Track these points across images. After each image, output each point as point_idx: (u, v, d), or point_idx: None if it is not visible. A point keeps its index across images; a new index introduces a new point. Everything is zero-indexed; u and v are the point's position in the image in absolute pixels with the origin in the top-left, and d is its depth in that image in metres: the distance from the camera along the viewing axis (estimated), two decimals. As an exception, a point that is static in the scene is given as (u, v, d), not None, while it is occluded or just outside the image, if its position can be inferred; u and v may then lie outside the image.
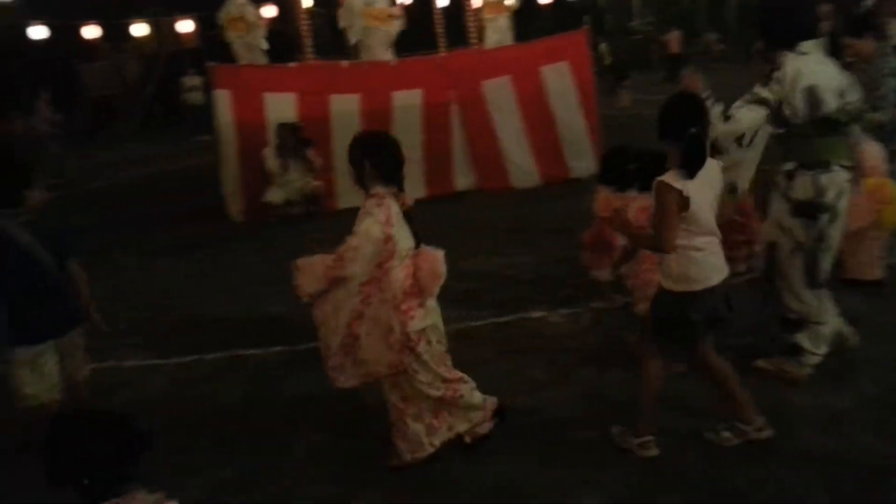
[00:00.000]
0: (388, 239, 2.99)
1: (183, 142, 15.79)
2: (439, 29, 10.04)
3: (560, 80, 8.74)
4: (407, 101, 8.63)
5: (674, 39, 19.09)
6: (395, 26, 9.66)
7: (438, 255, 3.18)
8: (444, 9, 10.53)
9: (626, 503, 2.94)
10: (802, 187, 3.54)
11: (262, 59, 9.91)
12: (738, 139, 3.75)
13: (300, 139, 8.21)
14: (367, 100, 8.53)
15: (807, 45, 3.55)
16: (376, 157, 3.10)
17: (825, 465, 3.01)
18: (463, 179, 8.91)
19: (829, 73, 3.54)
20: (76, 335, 3.45)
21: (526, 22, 10.26)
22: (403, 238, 3.08)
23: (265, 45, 9.49)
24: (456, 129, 8.83)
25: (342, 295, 3.04)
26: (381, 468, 3.28)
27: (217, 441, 3.69)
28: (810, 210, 3.53)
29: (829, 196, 3.50)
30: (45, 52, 20.04)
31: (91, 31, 19.48)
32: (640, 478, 3.06)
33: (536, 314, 4.89)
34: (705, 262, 2.98)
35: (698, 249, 2.95)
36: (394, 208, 3.06)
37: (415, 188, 8.58)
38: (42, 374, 3.28)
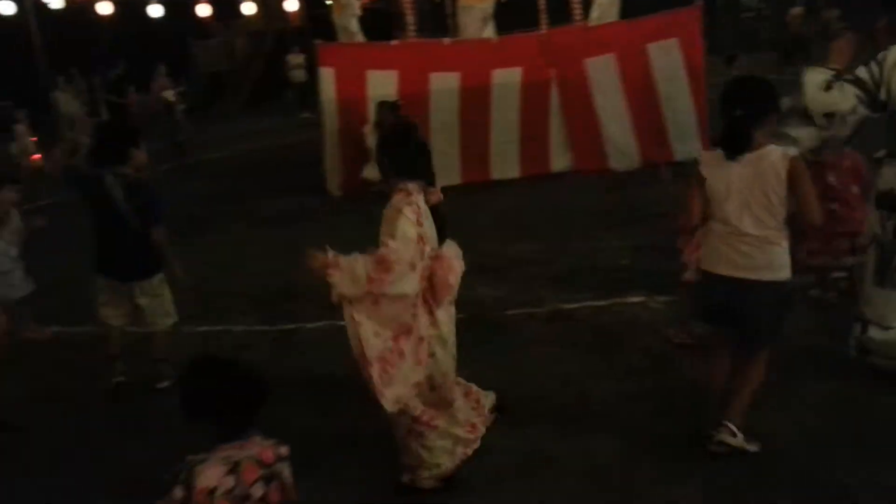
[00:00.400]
0: (421, 238, 2.78)
1: (287, 118, 16.31)
2: (542, 5, 9.87)
3: (668, 59, 8.44)
4: (506, 79, 8.58)
5: (797, 17, 17.82)
6: (490, 3, 9.56)
7: (455, 261, 2.93)
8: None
9: (722, 498, 2.86)
10: (886, 177, 3.36)
11: (357, 39, 10.05)
12: (828, 116, 3.43)
13: (399, 117, 8.32)
14: (466, 78, 8.53)
15: None
16: (394, 151, 2.98)
17: None
18: (559, 160, 8.80)
19: None
20: (146, 287, 4.01)
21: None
22: (430, 237, 2.87)
23: (355, 27, 9.59)
24: (555, 108, 8.70)
25: (387, 305, 2.77)
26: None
27: (314, 405, 3.84)
28: (891, 202, 3.34)
29: None
30: (162, 29, 21.14)
31: (204, 10, 20.35)
32: (743, 471, 2.97)
33: (634, 300, 4.80)
34: (712, 246, 2.97)
35: (713, 232, 2.95)
36: (421, 204, 2.87)
37: (510, 168, 8.71)
38: (108, 303, 4.06)
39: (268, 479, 1.82)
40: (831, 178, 4.23)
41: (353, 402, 3.81)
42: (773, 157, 2.81)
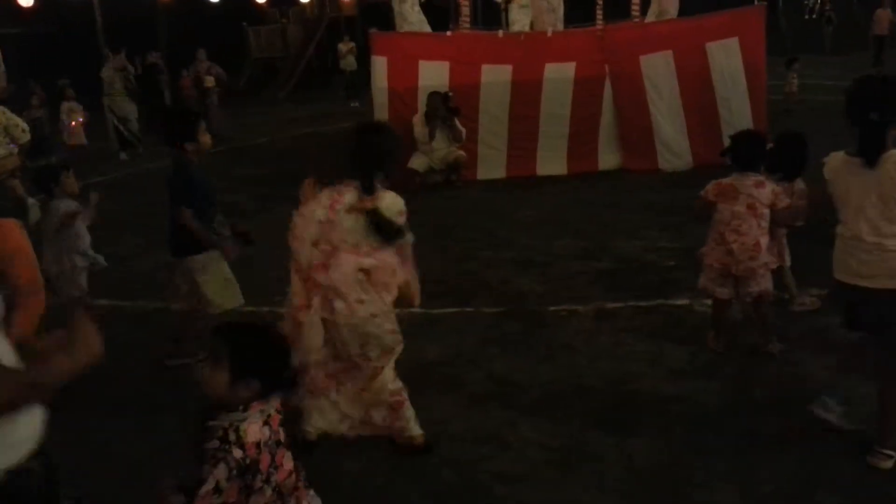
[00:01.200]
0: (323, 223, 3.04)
1: (335, 106, 16.45)
2: (599, 1, 9.75)
3: (728, 59, 8.24)
4: (559, 73, 8.49)
5: (883, 18, 17.10)
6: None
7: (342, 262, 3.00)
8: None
9: (768, 498, 2.81)
10: None
11: (415, 29, 10.07)
12: None
13: (449, 108, 8.31)
14: (518, 70, 8.47)
15: None
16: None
17: None
18: (608, 158, 8.68)
19: None
20: (184, 266, 4.05)
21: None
22: (339, 232, 3.01)
23: (414, 17, 9.60)
24: (607, 105, 8.59)
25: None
26: (518, 435, 3.31)
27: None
28: None
29: None
30: (218, 13, 21.49)
31: (260, -4, 20.67)
32: (786, 476, 2.91)
33: (678, 302, 4.73)
34: (837, 252, 2.91)
35: (839, 236, 2.91)
36: (343, 201, 2.99)
37: (556, 165, 8.63)
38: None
39: (283, 423, 1.99)
40: None
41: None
42: (891, 162, 2.73)
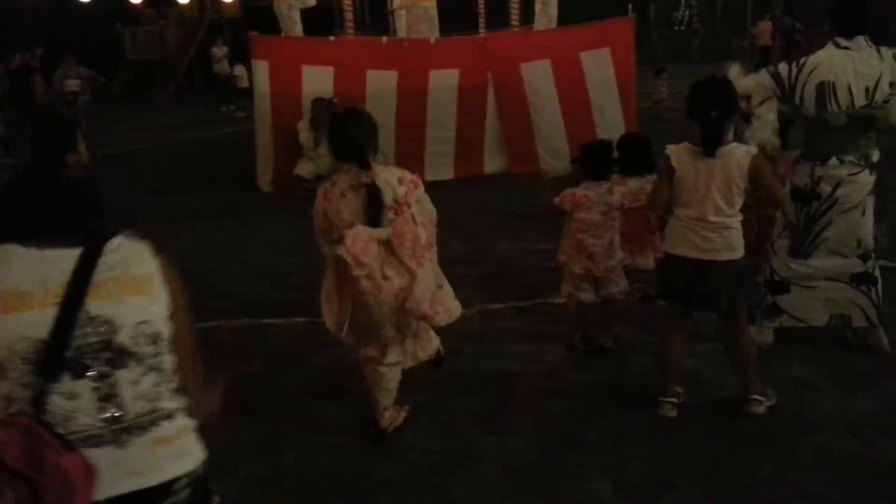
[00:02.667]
0: (324, 213, 3.15)
1: (215, 111, 15.94)
2: (481, 9, 9.96)
3: (599, 68, 8.62)
4: (444, 80, 8.60)
5: (764, 30, 18.27)
6: (433, 3, 9.59)
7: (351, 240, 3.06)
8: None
9: (636, 488, 2.94)
10: (800, 174, 3.76)
11: (299, 33, 9.92)
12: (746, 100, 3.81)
13: (334, 114, 8.22)
14: (404, 77, 8.51)
15: (847, 41, 3.59)
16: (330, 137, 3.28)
17: (842, 468, 2.99)
18: (493, 163, 8.88)
19: (864, 71, 3.55)
20: None
21: (570, 3, 10.08)
22: (342, 212, 3.11)
23: (296, 18, 9.45)
24: (490, 111, 8.78)
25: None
26: (401, 441, 3.32)
27: (237, 405, 3.74)
28: (803, 196, 3.75)
29: (824, 187, 3.69)
30: (90, 14, 20.34)
31: (135, -4, 19.73)
32: (653, 466, 3.07)
33: (558, 301, 4.88)
34: (679, 231, 3.23)
35: (677, 218, 3.24)
36: (340, 184, 3.11)
37: (444, 170, 8.73)
38: None
39: None
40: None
41: (273, 401, 3.77)
42: (738, 154, 3.13)
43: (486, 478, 3.05)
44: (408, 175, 3.17)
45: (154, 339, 1.67)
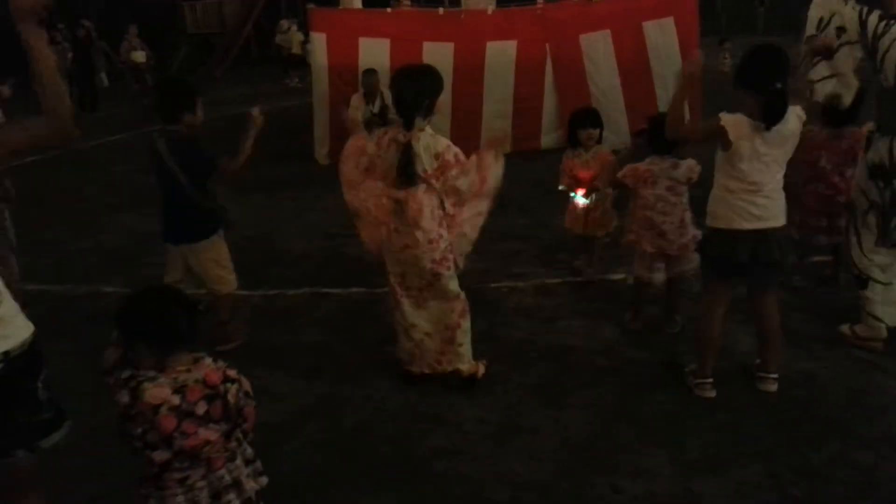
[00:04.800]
0: (371, 160, 3.39)
1: (274, 84, 16.12)
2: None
3: (663, 37, 8.39)
4: (501, 52, 8.51)
5: None
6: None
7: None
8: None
9: (696, 464, 2.92)
10: (877, 150, 3.54)
11: (358, 4, 9.93)
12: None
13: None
14: (460, 48, 8.45)
15: None
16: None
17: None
18: (550, 137, 8.77)
19: None
20: (198, 249, 3.84)
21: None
22: (382, 164, 3.34)
23: None
24: (548, 84, 8.66)
25: None
26: (457, 411, 3.36)
27: (298, 371, 3.85)
28: (883, 173, 3.54)
29: None
30: (151, -12, 20.72)
31: (195, -30, 20.00)
32: (713, 443, 3.03)
33: (616, 276, 4.83)
34: (734, 204, 3.09)
35: (729, 191, 3.10)
36: (386, 139, 3.30)
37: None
38: (171, 263, 3.90)
39: (210, 398, 1.99)
40: (823, 162, 4.27)
41: (333, 367, 3.86)
42: (792, 122, 3.04)
43: (541, 450, 3.07)
44: (450, 155, 3.25)
45: None
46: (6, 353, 2.00)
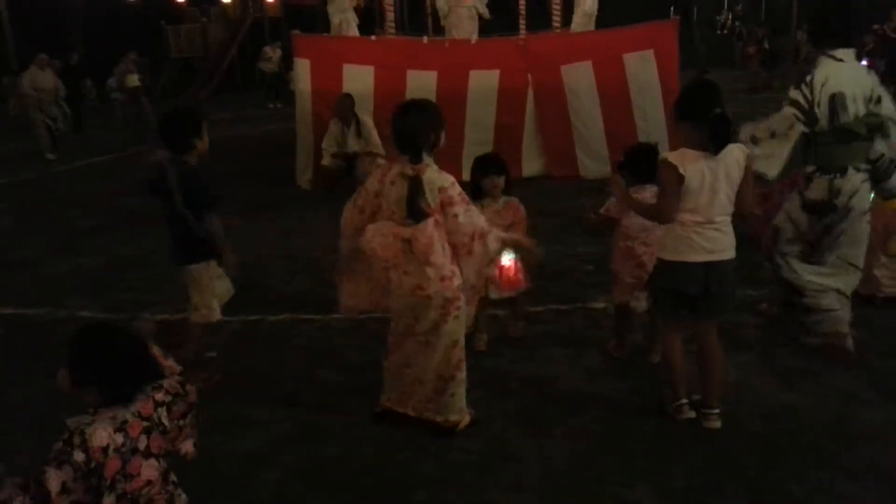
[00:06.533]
0: (377, 195, 3.29)
1: (257, 108, 16.14)
2: (522, 10, 9.95)
3: (643, 69, 8.56)
4: (483, 81, 8.60)
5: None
6: (475, 2, 9.61)
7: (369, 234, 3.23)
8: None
9: (681, 494, 2.91)
10: (818, 188, 3.83)
11: (352, 32, 9.99)
12: (771, 134, 3.92)
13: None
14: (444, 77, 8.54)
15: (842, 52, 3.77)
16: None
17: (893, 479, 2.93)
18: (531, 165, 8.85)
19: (861, 81, 3.73)
20: (190, 272, 3.81)
21: (611, 7, 10.03)
22: (386, 199, 3.24)
23: (351, 18, 9.54)
24: (529, 113, 8.75)
25: None
26: (441, 440, 3.33)
27: (278, 398, 3.80)
28: (821, 209, 3.84)
29: (842, 198, 3.79)
30: (135, 12, 20.77)
31: (179, -6, 20.09)
32: (697, 473, 3.02)
33: (597, 305, 4.85)
34: (684, 236, 3.14)
35: (681, 224, 3.14)
36: (391, 173, 3.23)
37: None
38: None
39: (148, 431, 1.94)
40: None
41: (314, 394, 3.81)
42: (736, 152, 3.11)
43: (525, 479, 3.04)
44: (450, 191, 3.18)
45: None
46: None
